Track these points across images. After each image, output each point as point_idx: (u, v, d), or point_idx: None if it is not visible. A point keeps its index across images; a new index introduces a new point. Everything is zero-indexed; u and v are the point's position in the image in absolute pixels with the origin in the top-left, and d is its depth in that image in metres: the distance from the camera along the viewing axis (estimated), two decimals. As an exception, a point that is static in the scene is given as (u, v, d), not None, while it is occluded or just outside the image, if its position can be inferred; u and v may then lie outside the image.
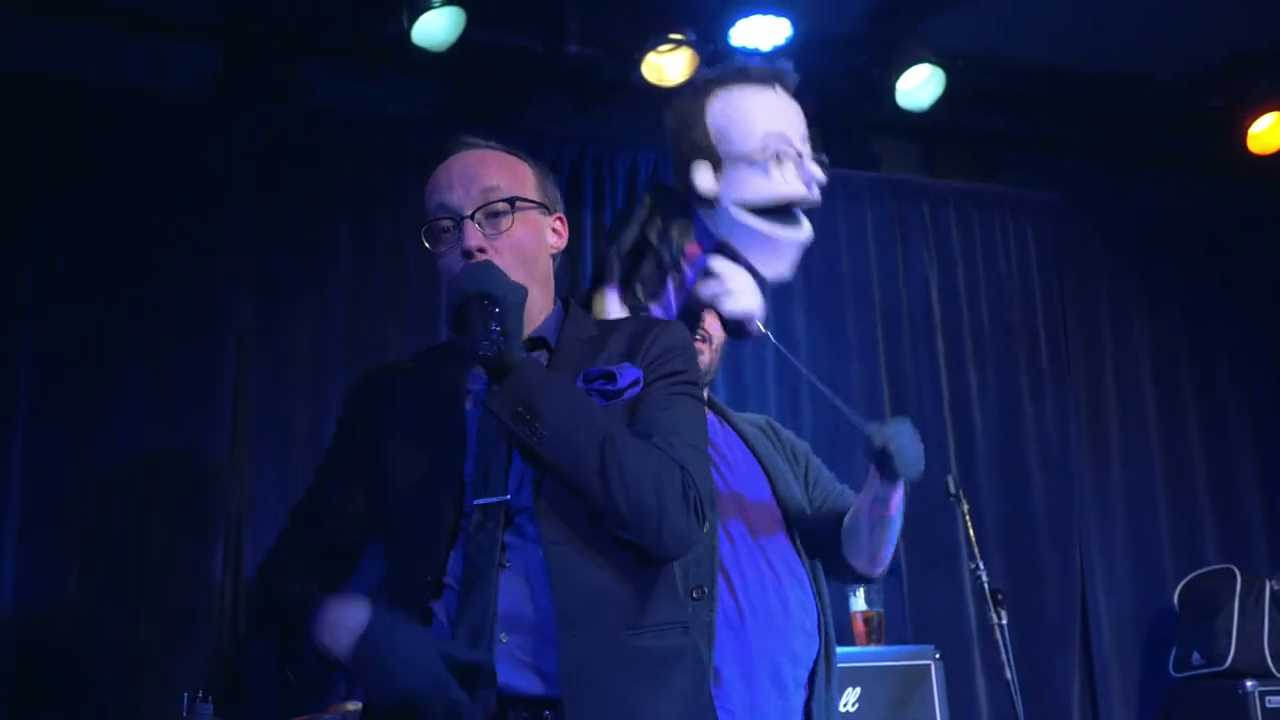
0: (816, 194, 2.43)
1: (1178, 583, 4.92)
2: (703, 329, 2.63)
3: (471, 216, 1.99)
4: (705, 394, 2.62)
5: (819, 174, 2.42)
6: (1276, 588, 4.47)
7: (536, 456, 1.85)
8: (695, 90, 2.44)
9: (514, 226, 2.01)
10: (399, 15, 4.18)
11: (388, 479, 1.97)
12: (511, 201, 2.01)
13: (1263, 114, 5.13)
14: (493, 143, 2.11)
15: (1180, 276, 5.59)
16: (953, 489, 3.22)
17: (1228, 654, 4.35)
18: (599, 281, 2.35)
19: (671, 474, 1.85)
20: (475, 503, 1.87)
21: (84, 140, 4.10)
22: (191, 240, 4.16)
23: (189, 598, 3.92)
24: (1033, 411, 5.13)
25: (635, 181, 4.74)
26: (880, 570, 2.64)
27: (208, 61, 4.35)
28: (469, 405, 1.97)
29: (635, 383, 1.94)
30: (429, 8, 4.14)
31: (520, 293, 1.90)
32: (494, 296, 1.86)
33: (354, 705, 3.29)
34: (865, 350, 4.91)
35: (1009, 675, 3.12)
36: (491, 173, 2.04)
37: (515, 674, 1.79)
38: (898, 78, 4.69)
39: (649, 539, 1.84)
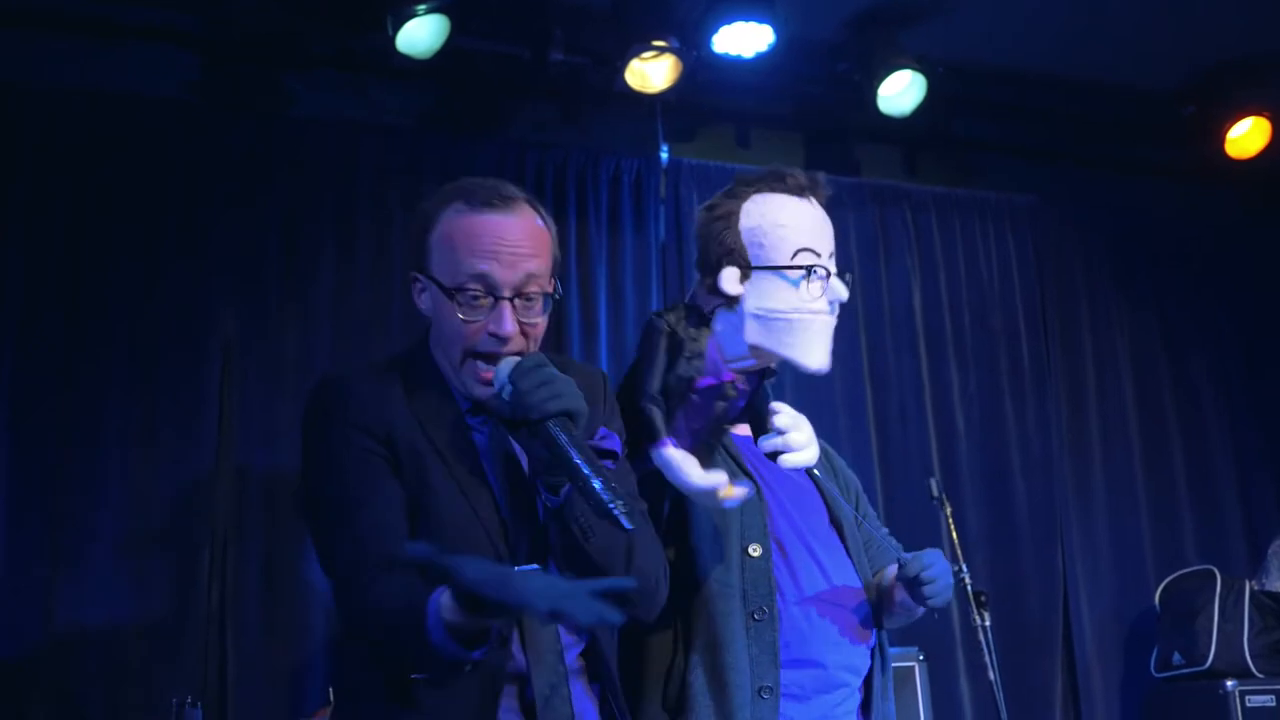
0: (836, 313, 2.51)
1: (1159, 584, 4.95)
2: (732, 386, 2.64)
3: (512, 300, 1.97)
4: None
5: (843, 293, 2.49)
6: (1256, 588, 4.50)
7: (579, 551, 1.93)
8: (731, 193, 2.49)
9: (544, 318, 2.03)
10: (383, 23, 4.19)
11: (426, 525, 1.93)
12: (547, 296, 2.02)
13: (1241, 118, 5.18)
14: (527, 197, 2.06)
15: (1159, 280, 5.63)
16: (935, 492, 3.24)
17: (1208, 654, 4.38)
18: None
19: (660, 555, 2.08)
20: (516, 570, 1.85)
21: (66, 152, 4.09)
22: (174, 251, 4.16)
23: (175, 606, 3.92)
24: (1014, 414, 5.16)
25: (619, 189, 4.76)
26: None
27: (190, 72, 4.35)
28: (484, 463, 2.01)
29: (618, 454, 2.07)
30: (413, 15, 4.15)
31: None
32: (575, 414, 1.87)
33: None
34: (848, 354, 4.93)
35: (992, 676, 3.13)
36: (534, 255, 2.00)
37: None
38: (879, 84, 4.72)
39: (645, 612, 2.07)
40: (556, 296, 2.03)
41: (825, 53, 4.83)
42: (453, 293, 1.95)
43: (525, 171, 4.62)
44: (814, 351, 2.45)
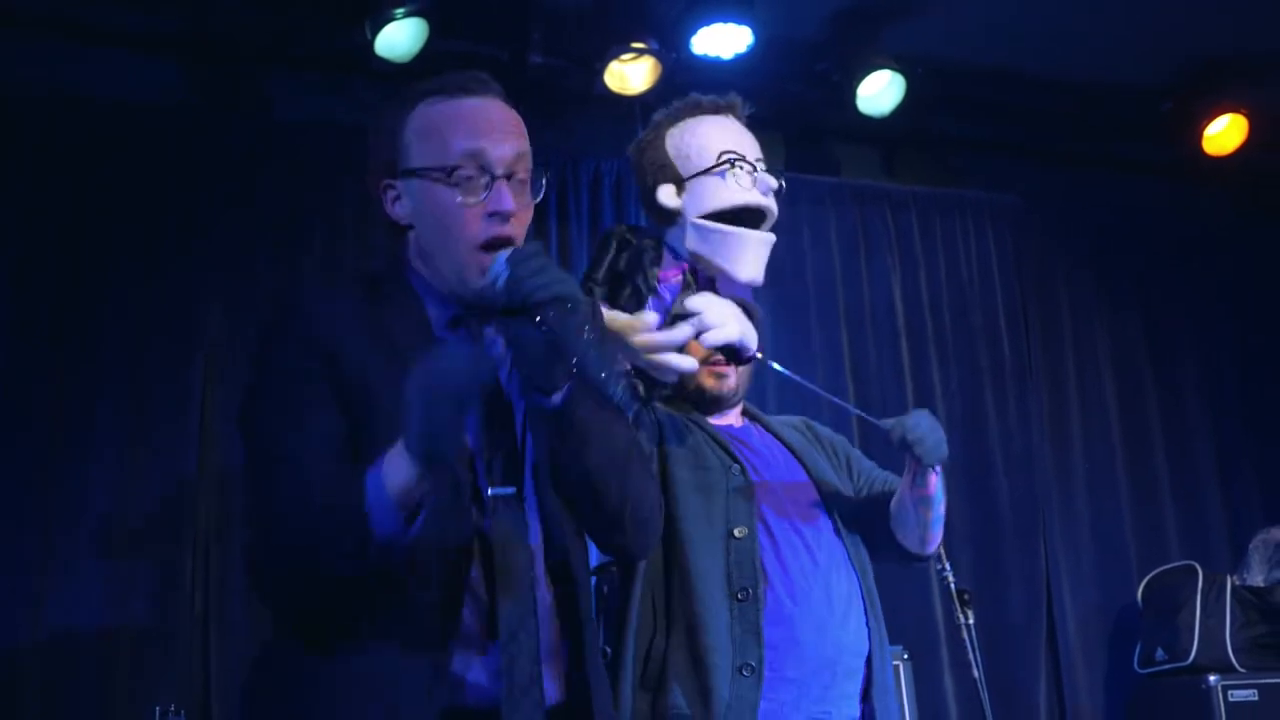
0: (773, 202, 2.63)
1: (1141, 580, 4.97)
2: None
3: (508, 177, 1.85)
4: (741, 405, 2.77)
5: (774, 182, 2.63)
6: (1237, 583, 4.52)
7: (570, 467, 1.83)
8: (654, 126, 2.69)
9: (530, 205, 1.90)
10: (362, 27, 4.19)
11: (374, 449, 1.72)
12: (536, 182, 1.90)
13: (1218, 115, 5.21)
14: (498, 86, 1.95)
15: (1139, 276, 5.65)
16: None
17: (1191, 649, 4.40)
18: None
19: (655, 491, 2.00)
20: (490, 492, 1.79)
21: (51, 156, 4.09)
22: (160, 255, 4.16)
23: (159, 612, 3.92)
24: (996, 412, 5.18)
25: (599, 190, 4.76)
26: (932, 549, 2.68)
27: (173, 76, 4.35)
28: None
29: None
30: (392, 19, 4.15)
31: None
32: (574, 301, 1.73)
33: None
34: (830, 354, 4.95)
35: (976, 674, 3.14)
36: (520, 134, 1.91)
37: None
38: (858, 84, 4.73)
39: (639, 545, 1.98)
40: (545, 181, 1.93)
41: (804, 53, 4.84)
42: (450, 171, 1.82)
43: (506, 174, 4.62)
44: (747, 264, 2.60)
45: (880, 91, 4.78)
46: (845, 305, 5.04)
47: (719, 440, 2.61)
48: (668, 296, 2.44)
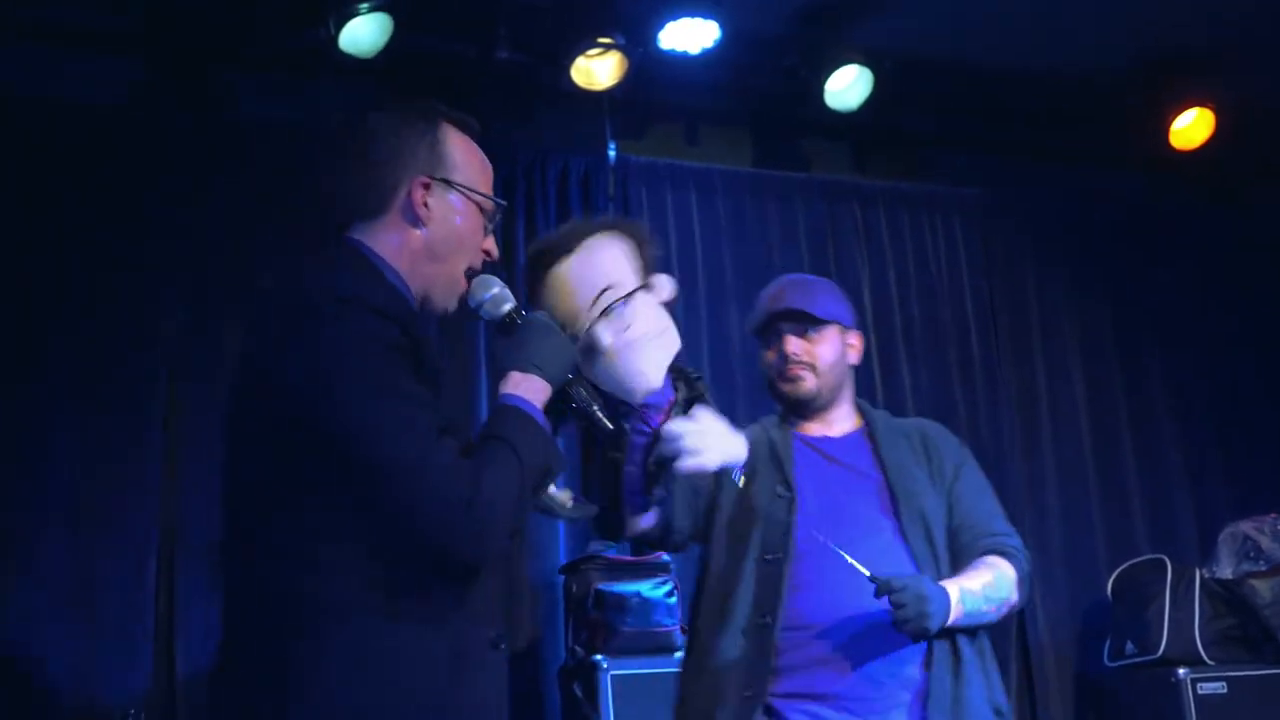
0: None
1: (1111, 574, 4.98)
2: (794, 355, 2.70)
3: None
4: (854, 408, 2.80)
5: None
6: (1206, 576, 4.53)
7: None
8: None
9: None
10: (326, 22, 4.14)
11: None
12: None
13: (1184, 110, 5.22)
14: None
15: (1107, 270, 5.67)
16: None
17: (1160, 642, 4.40)
18: None
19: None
20: None
21: (8, 157, 4.03)
22: (119, 254, 4.12)
23: (122, 615, 3.87)
24: (965, 406, 5.18)
25: (567, 186, 4.74)
26: (1000, 618, 2.64)
27: (132, 74, 4.29)
28: None
29: None
30: (355, 14, 4.11)
31: None
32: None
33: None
34: (800, 350, 4.93)
35: (947, 670, 3.14)
36: None
37: None
38: (826, 79, 4.73)
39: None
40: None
41: (772, 48, 4.82)
42: (492, 204, 2.03)
43: (472, 170, 4.60)
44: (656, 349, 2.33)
45: (848, 86, 4.78)
46: (814, 301, 5.02)
47: (780, 460, 2.64)
48: (655, 420, 2.29)
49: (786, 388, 2.72)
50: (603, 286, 2.17)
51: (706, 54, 4.52)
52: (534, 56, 4.50)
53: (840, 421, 2.76)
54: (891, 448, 2.71)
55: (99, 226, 4.11)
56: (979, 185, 5.49)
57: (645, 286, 2.21)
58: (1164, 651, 4.40)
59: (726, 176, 5.08)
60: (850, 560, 2.43)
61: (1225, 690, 4.23)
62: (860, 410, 2.82)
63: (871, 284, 5.18)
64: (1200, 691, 4.20)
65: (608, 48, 4.42)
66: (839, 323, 2.76)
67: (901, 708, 2.48)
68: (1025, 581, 2.65)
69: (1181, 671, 4.24)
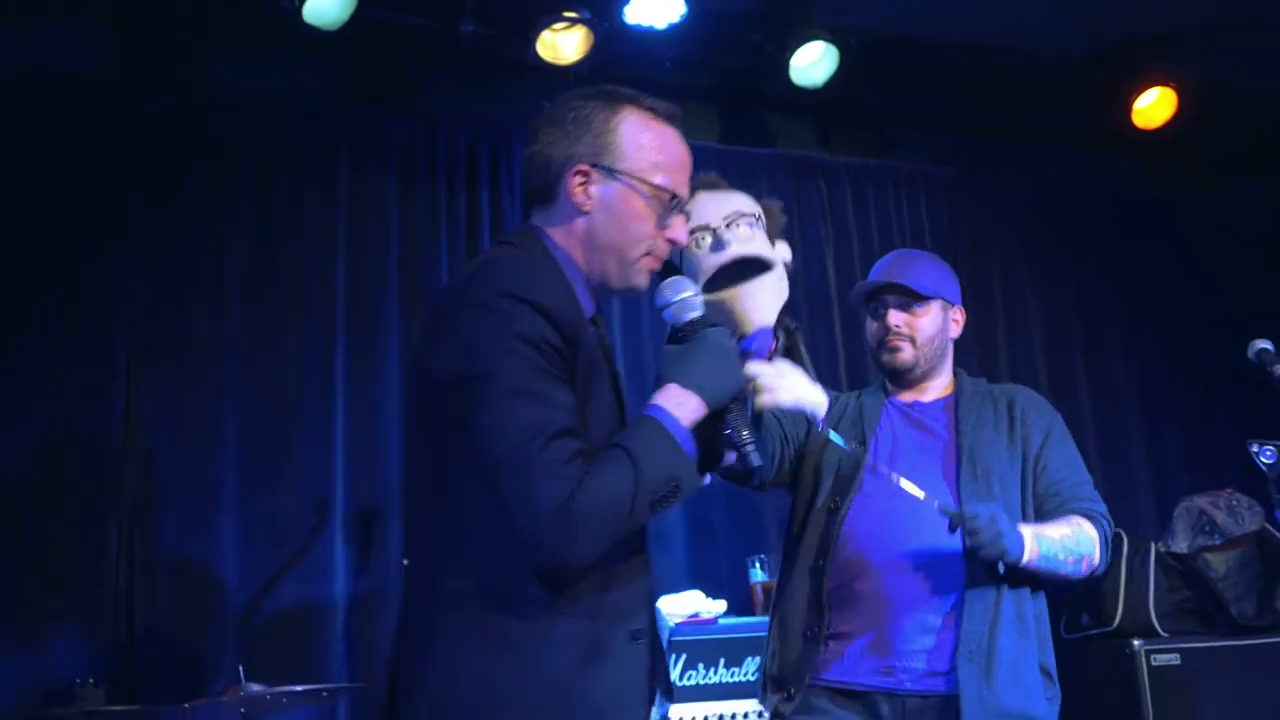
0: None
1: (1069, 547, 5.02)
2: (895, 327, 2.84)
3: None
4: (950, 374, 2.92)
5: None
6: (1161, 549, 4.59)
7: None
8: None
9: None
10: (291, -5, 4.12)
11: (585, 436, 1.86)
12: None
13: (1146, 89, 5.26)
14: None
15: (1070, 248, 5.71)
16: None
17: (1115, 614, 4.45)
18: None
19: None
20: None
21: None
22: (85, 230, 4.11)
23: (83, 587, 3.88)
24: (928, 383, 5.21)
25: (532, 160, 4.73)
26: (1080, 575, 2.78)
27: (103, 48, 4.26)
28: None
29: None
30: (320, -14, 4.09)
31: None
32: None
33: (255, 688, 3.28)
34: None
35: (905, 642, 3.18)
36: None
37: None
38: (792, 55, 4.73)
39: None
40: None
41: (737, 24, 4.83)
42: (659, 191, 2.00)
43: (438, 144, 4.61)
44: None
45: (813, 63, 4.79)
46: (779, 276, 5.04)
47: (865, 420, 2.83)
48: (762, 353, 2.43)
49: (886, 357, 2.87)
50: (738, 209, 2.48)
51: (672, 29, 4.52)
52: (499, 30, 4.49)
53: (935, 390, 2.90)
54: (970, 412, 2.83)
55: (69, 197, 4.10)
56: (944, 162, 5.52)
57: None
58: (1119, 623, 4.44)
59: (692, 151, 5.06)
60: (915, 492, 2.56)
61: (1179, 661, 4.28)
62: (955, 377, 2.94)
63: (836, 260, 5.20)
64: (1154, 663, 4.25)
65: (573, 22, 4.41)
66: (942, 298, 2.88)
67: (921, 653, 2.62)
68: (1107, 546, 2.78)
69: (1136, 643, 4.28)
